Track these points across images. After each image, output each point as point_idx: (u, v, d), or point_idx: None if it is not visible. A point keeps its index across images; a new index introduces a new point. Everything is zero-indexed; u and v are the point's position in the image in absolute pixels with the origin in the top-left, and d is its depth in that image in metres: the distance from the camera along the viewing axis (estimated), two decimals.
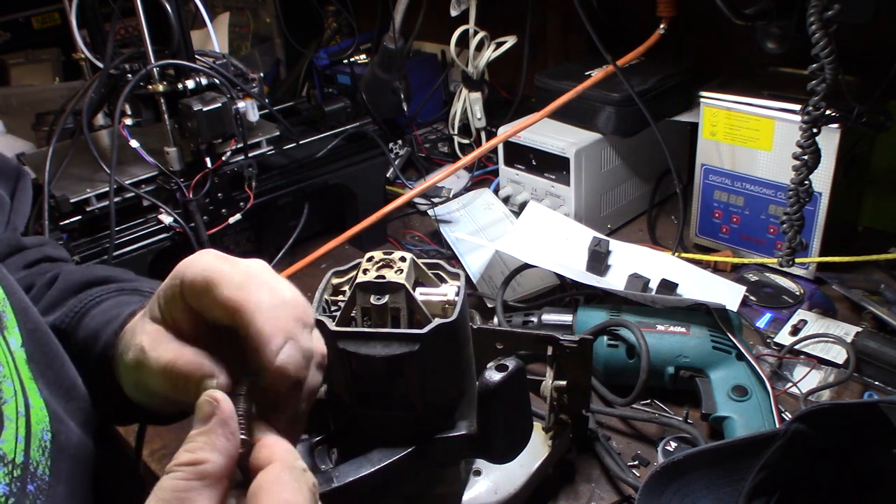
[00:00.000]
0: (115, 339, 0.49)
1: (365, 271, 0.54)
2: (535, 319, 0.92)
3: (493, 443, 0.57)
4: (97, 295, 0.54)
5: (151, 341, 0.43)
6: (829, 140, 0.88)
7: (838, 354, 0.85)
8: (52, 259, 0.62)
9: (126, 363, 0.45)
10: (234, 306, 0.40)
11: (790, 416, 0.73)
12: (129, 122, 0.96)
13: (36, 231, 0.90)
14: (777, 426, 0.72)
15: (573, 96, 1.05)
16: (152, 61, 0.93)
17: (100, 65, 0.96)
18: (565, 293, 1.01)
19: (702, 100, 1.02)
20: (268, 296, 0.41)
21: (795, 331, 0.90)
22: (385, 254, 0.55)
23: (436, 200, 1.22)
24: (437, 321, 0.52)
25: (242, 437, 0.39)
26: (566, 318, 0.90)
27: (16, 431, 0.40)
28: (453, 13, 1.28)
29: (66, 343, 0.51)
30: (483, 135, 1.39)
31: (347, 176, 1.15)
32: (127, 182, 0.95)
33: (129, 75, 0.95)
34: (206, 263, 0.42)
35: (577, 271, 0.98)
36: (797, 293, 0.99)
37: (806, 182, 0.82)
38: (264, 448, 0.38)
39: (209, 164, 0.98)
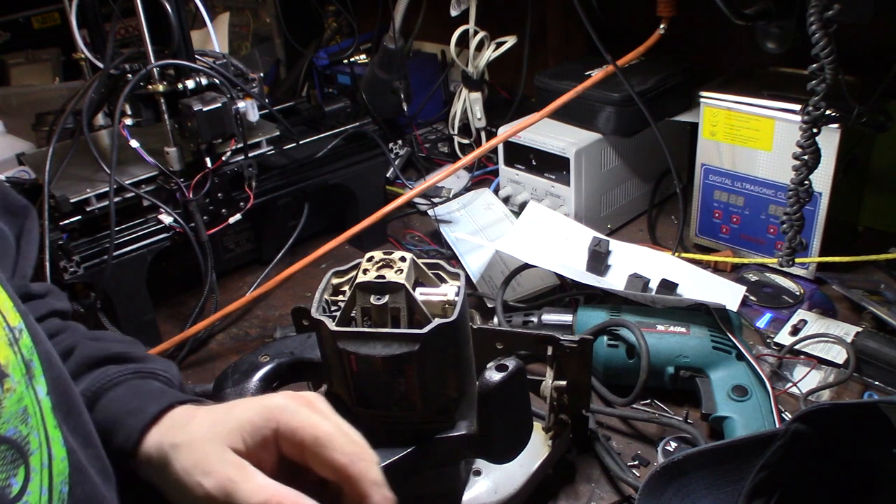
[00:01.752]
0: (139, 436, 0.49)
1: (365, 271, 0.54)
2: (535, 319, 0.92)
3: (493, 443, 0.58)
4: (114, 375, 0.54)
5: (240, 474, 0.44)
6: (829, 140, 0.88)
7: (838, 354, 0.85)
8: (59, 313, 0.62)
9: (178, 476, 0.46)
10: (347, 473, 0.44)
11: (790, 416, 0.73)
12: (129, 122, 0.96)
13: None
14: (777, 426, 0.72)
15: (573, 96, 1.05)
16: (152, 61, 0.93)
17: (100, 65, 0.96)
18: (565, 293, 1.01)
19: (702, 100, 1.02)
20: (373, 468, 0.45)
21: (795, 331, 0.90)
22: (385, 254, 0.55)
23: (436, 200, 1.22)
24: (437, 321, 0.52)
25: None
26: (566, 318, 0.91)
27: (40, 483, 0.40)
28: (453, 13, 1.28)
29: None
30: (483, 135, 1.39)
31: (347, 176, 1.15)
32: (127, 182, 0.95)
33: (129, 75, 0.95)
34: (309, 421, 0.45)
35: (577, 271, 0.98)
36: (797, 293, 0.99)
37: (806, 182, 0.82)
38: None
39: (209, 164, 0.98)
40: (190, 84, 0.96)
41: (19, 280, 0.60)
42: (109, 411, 0.52)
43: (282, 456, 0.47)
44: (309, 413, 0.46)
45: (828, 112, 0.79)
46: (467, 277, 0.66)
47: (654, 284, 0.94)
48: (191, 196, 0.98)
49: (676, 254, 1.07)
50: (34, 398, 0.42)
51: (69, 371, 0.53)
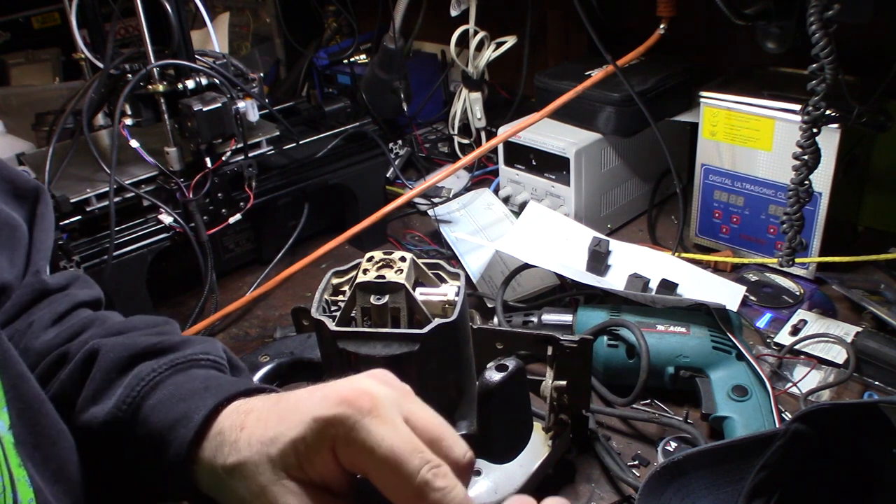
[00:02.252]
0: (190, 449, 0.44)
1: (365, 271, 0.54)
2: (535, 319, 0.92)
3: (493, 443, 0.57)
4: (149, 376, 0.48)
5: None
6: (829, 140, 0.88)
7: (838, 354, 0.85)
8: (85, 304, 0.56)
9: (235, 502, 0.42)
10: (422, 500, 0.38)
11: (790, 416, 0.73)
12: (129, 122, 0.96)
13: None
14: (777, 426, 0.72)
15: (573, 96, 1.05)
16: (152, 61, 0.93)
17: (100, 65, 0.96)
18: (565, 293, 1.01)
19: (702, 100, 1.02)
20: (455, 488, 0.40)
21: (795, 331, 0.90)
22: (385, 254, 0.55)
23: (436, 200, 1.22)
24: (437, 321, 0.52)
25: None
26: (566, 318, 0.91)
27: None
28: (453, 13, 1.28)
29: (124, 436, 0.47)
30: (483, 135, 1.39)
31: (347, 176, 1.15)
32: (127, 182, 0.95)
33: (129, 75, 0.95)
34: (369, 439, 0.38)
35: (577, 271, 0.98)
36: (797, 293, 0.99)
37: (806, 182, 0.82)
38: None
39: (209, 164, 0.98)
40: (190, 84, 0.96)
41: (32, 276, 0.55)
42: (153, 426, 0.46)
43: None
44: (369, 427, 0.38)
45: (828, 112, 0.79)
46: (467, 277, 0.66)
47: (654, 284, 0.94)
48: (191, 196, 0.98)
49: (676, 254, 1.07)
50: None
51: (97, 383, 0.48)
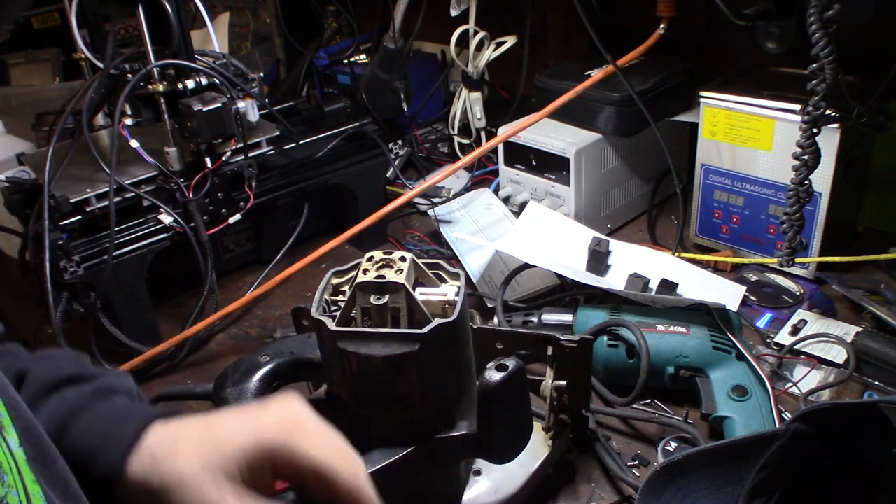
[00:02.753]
0: (120, 468, 0.47)
1: (365, 271, 0.54)
2: (535, 319, 0.92)
3: (493, 443, 0.58)
4: (74, 400, 0.51)
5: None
6: (829, 140, 0.88)
7: (838, 354, 0.85)
8: None
9: None
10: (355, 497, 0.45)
11: (790, 416, 0.73)
12: (129, 122, 0.96)
13: (36, 231, 0.90)
14: (777, 426, 0.72)
15: (573, 96, 1.05)
16: (152, 61, 0.93)
17: (100, 65, 0.96)
18: (565, 293, 1.01)
19: (702, 100, 1.02)
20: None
21: (795, 331, 0.90)
22: (385, 254, 0.55)
23: (436, 200, 1.22)
24: (437, 321, 0.52)
25: None
26: (566, 318, 0.90)
27: None
28: (453, 13, 1.28)
29: None
30: (483, 135, 1.39)
31: (347, 176, 1.15)
32: (127, 182, 0.95)
33: (129, 75, 0.95)
34: (306, 454, 0.45)
35: (577, 271, 0.98)
36: (797, 293, 0.99)
37: (806, 182, 0.82)
38: None
39: (209, 164, 0.98)
40: (190, 84, 0.96)
41: None
42: (82, 443, 0.49)
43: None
44: (302, 444, 0.45)
45: (828, 112, 0.79)
46: (467, 277, 0.66)
47: (654, 284, 0.94)
48: (191, 196, 0.98)
49: (676, 254, 1.07)
50: (7, 452, 0.39)
51: (26, 400, 0.50)
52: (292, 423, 0.47)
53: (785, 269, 0.95)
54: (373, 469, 0.53)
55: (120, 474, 0.47)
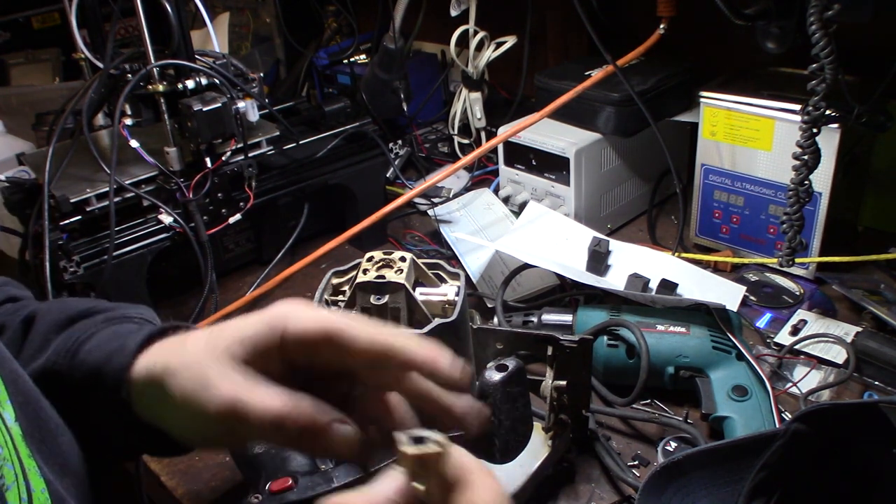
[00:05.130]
0: (126, 373, 0.46)
1: (365, 271, 0.54)
2: (535, 319, 0.92)
3: (493, 443, 0.58)
4: (85, 329, 0.51)
5: (248, 388, 0.41)
6: (829, 140, 0.88)
7: (838, 354, 0.85)
8: (15, 299, 0.58)
9: (177, 402, 0.43)
10: (382, 349, 0.41)
11: (790, 416, 0.73)
12: (129, 122, 0.96)
13: (36, 230, 0.90)
14: (777, 426, 0.72)
15: (573, 96, 1.05)
16: (152, 61, 0.93)
17: (100, 65, 0.96)
18: (565, 293, 1.01)
19: (702, 100, 1.02)
20: (397, 331, 0.42)
21: (795, 331, 0.90)
22: (385, 254, 0.55)
23: (436, 200, 1.22)
24: (437, 321, 0.52)
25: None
26: (566, 318, 0.90)
27: None
28: (453, 13, 1.28)
29: (61, 384, 0.48)
30: (483, 135, 1.39)
31: (347, 176, 1.15)
32: (127, 182, 0.95)
33: (129, 75, 0.95)
34: (318, 316, 0.42)
35: (577, 271, 0.98)
36: (797, 293, 0.99)
37: (806, 182, 0.82)
38: (468, 487, 0.38)
39: (209, 164, 0.98)
40: (190, 84, 0.96)
41: None
42: (88, 364, 0.48)
43: (292, 371, 0.43)
44: (315, 311, 0.42)
45: (828, 112, 0.79)
46: (467, 277, 0.66)
47: (654, 284, 0.94)
48: (191, 196, 0.98)
49: (676, 254, 1.07)
50: (3, 426, 0.39)
51: (36, 340, 0.51)
52: (294, 303, 0.44)
53: (785, 269, 0.95)
54: (373, 469, 0.53)
55: (125, 381, 0.46)
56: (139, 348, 0.47)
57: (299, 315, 0.42)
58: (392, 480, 0.37)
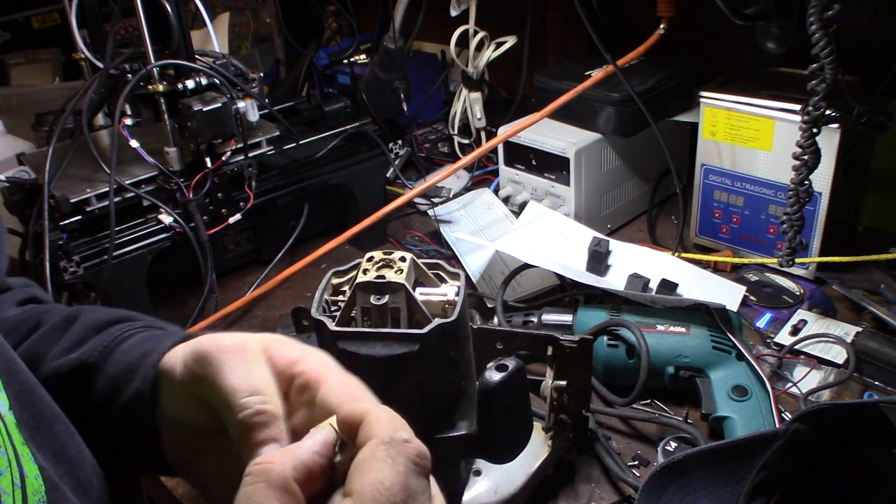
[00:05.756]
0: (154, 372, 0.48)
1: (365, 271, 0.54)
2: (535, 319, 0.92)
3: (493, 443, 0.57)
4: (125, 330, 0.53)
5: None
6: (829, 140, 0.88)
7: (838, 354, 0.85)
8: (38, 300, 0.60)
9: (184, 381, 0.45)
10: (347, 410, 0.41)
11: (790, 416, 0.73)
12: (129, 122, 0.96)
13: (36, 230, 0.90)
14: (777, 426, 0.72)
15: (573, 96, 1.05)
16: (152, 61, 0.93)
17: (100, 65, 0.96)
18: (565, 293, 1.01)
19: (702, 100, 1.02)
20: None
21: (795, 331, 0.90)
22: (385, 254, 0.55)
23: (436, 200, 1.22)
24: (437, 321, 0.52)
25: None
26: (566, 318, 0.90)
27: None
28: (453, 13, 1.28)
29: (93, 378, 0.50)
30: (483, 135, 1.39)
31: (347, 176, 1.15)
32: (127, 182, 0.95)
33: (129, 75, 0.95)
34: (307, 354, 0.44)
35: (577, 271, 0.98)
36: (797, 293, 0.99)
37: (806, 182, 0.82)
38: (366, 425, 0.38)
39: (209, 164, 0.98)
40: (190, 84, 0.96)
41: None
42: (123, 363, 0.50)
43: None
44: (306, 349, 0.44)
45: (828, 112, 0.79)
46: (467, 277, 0.66)
47: (654, 284, 0.94)
48: (191, 196, 0.98)
49: (676, 254, 1.07)
50: None
51: (77, 335, 0.52)
52: (297, 339, 0.46)
53: (785, 269, 0.95)
54: None
55: (155, 378, 0.47)
56: (174, 344, 0.49)
57: (290, 346, 0.45)
58: (322, 434, 0.38)
